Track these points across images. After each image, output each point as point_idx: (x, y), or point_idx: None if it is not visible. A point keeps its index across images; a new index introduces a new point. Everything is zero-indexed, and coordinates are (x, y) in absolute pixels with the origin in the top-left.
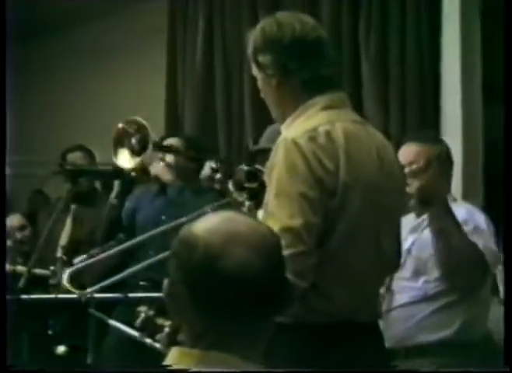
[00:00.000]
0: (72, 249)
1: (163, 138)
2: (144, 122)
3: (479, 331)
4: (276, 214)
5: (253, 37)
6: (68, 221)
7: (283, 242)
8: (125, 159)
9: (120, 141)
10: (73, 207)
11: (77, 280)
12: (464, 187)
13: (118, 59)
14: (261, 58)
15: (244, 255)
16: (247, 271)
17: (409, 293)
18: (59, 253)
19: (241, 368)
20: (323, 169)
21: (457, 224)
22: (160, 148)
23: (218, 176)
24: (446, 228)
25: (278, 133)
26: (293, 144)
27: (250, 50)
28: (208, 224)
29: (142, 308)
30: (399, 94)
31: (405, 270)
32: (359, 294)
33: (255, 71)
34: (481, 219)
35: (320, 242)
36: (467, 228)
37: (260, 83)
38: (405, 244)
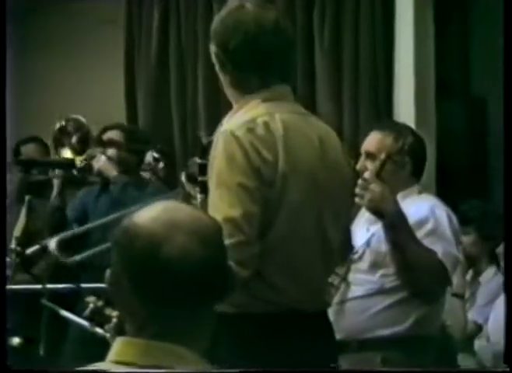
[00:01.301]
0: (26, 240)
1: (103, 131)
2: (83, 120)
3: (435, 326)
4: (217, 205)
5: (213, 23)
6: (23, 212)
7: (224, 232)
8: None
9: (60, 141)
10: (27, 198)
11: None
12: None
13: (74, 51)
14: (211, 47)
15: (186, 243)
16: (189, 259)
17: (366, 285)
18: (13, 244)
19: (185, 359)
20: (261, 160)
21: (412, 236)
22: (101, 143)
23: (160, 165)
24: (399, 241)
25: None
26: (232, 135)
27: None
28: (149, 213)
29: (91, 299)
30: (353, 86)
31: (363, 262)
32: (303, 283)
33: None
34: (443, 216)
35: (262, 232)
36: (426, 228)
37: None
38: (365, 235)
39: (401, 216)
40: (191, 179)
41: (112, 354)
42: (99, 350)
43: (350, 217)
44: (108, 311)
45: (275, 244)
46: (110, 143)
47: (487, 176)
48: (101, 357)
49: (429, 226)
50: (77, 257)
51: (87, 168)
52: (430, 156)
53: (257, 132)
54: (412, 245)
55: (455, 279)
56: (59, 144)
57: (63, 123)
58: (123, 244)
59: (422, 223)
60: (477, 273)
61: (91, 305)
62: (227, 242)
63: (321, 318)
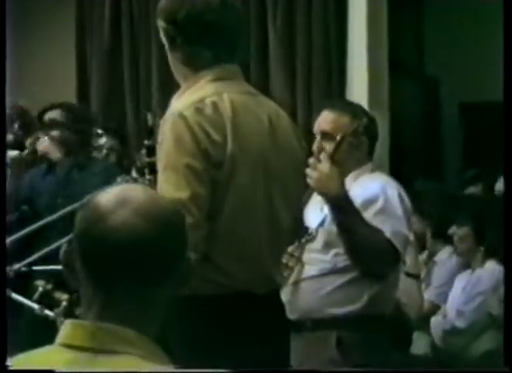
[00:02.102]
0: None
1: (44, 111)
2: (24, 107)
3: (388, 304)
4: (164, 186)
5: (161, 1)
6: None
7: None
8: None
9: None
10: None
11: None
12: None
13: (26, 33)
14: (158, 22)
15: (132, 218)
16: (133, 233)
17: (319, 265)
18: None
19: (132, 342)
20: (209, 141)
21: (358, 218)
22: (42, 125)
23: (103, 140)
24: (345, 222)
25: None
26: (180, 116)
27: (157, 9)
28: (106, 191)
29: (40, 282)
30: (306, 66)
31: (316, 242)
32: (253, 265)
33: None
34: (394, 195)
35: (210, 215)
36: (376, 207)
37: None
38: (319, 216)
39: (346, 198)
40: (141, 171)
41: (60, 337)
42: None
43: (302, 198)
44: (58, 294)
45: (224, 226)
46: (52, 124)
47: (440, 154)
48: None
49: (379, 205)
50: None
51: (32, 152)
52: (384, 135)
53: (206, 113)
54: (359, 227)
55: (408, 259)
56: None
57: (9, 112)
58: (76, 220)
59: (372, 201)
60: (431, 253)
61: (40, 289)
62: None
63: (273, 299)
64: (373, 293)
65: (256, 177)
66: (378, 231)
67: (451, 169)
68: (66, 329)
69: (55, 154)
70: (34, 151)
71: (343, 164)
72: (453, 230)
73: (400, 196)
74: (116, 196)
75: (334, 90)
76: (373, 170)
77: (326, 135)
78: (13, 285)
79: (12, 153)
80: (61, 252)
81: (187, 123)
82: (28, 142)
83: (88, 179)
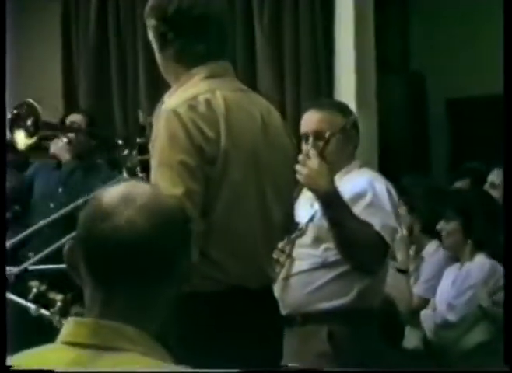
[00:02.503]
0: None
1: (66, 115)
2: (34, 103)
3: (377, 298)
4: (159, 183)
5: (149, 1)
6: None
7: None
8: (21, 140)
9: (15, 123)
10: None
11: None
12: (358, 156)
13: (12, 33)
14: (147, 22)
15: (135, 216)
16: (135, 232)
17: (309, 260)
18: None
19: (133, 339)
20: (203, 138)
21: (347, 213)
22: (52, 127)
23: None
24: (335, 217)
25: None
26: (173, 113)
27: (145, 10)
28: (111, 189)
29: (34, 283)
30: (293, 63)
31: (306, 237)
32: (248, 260)
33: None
34: (382, 189)
35: (205, 211)
36: (365, 201)
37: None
38: (309, 211)
39: (336, 194)
40: (131, 172)
41: (63, 335)
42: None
43: (293, 194)
44: (52, 295)
45: (218, 222)
46: (71, 126)
47: (428, 150)
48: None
49: (367, 199)
50: (27, 265)
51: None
52: (372, 132)
53: (199, 110)
54: (348, 221)
55: (399, 255)
56: (14, 125)
57: (15, 110)
58: (79, 218)
59: (361, 196)
60: (418, 248)
61: (34, 290)
62: None
63: (266, 294)
64: (362, 286)
65: (248, 173)
66: (367, 225)
67: (439, 164)
68: (69, 327)
69: (64, 155)
70: (41, 149)
71: (334, 160)
72: (441, 225)
73: (388, 190)
74: (120, 195)
75: (323, 88)
76: (361, 166)
77: (315, 134)
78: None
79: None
80: (64, 250)
81: (180, 120)
82: (33, 141)
83: (89, 183)
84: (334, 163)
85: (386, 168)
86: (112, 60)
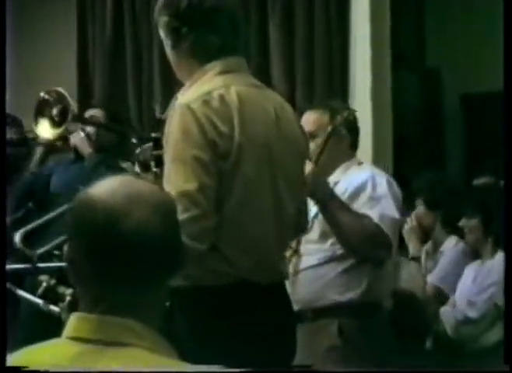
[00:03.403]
0: None
1: (82, 108)
2: (64, 92)
3: (386, 290)
4: (172, 178)
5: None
6: None
7: (180, 207)
8: (45, 129)
9: (41, 111)
10: None
11: None
12: (374, 152)
13: (27, 25)
14: (159, 20)
15: (145, 216)
16: (148, 233)
17: (317, 255)
18: None
19: (139, 334)
20: (216, 133)
21: (345, 211)
22: (80, 119)
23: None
24: (333, 217)
25: None
26: (187, 108)
27: (156, 9)
28: (106, 187)
29: (44, 278)
30: (307, 60)
31: (313, 233)
32: (258, 255)
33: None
34: (382, 182)
35: (217, 205)
36: (365, 194)
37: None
38: (315, 207)
39: (331, 196)
40: (144, 166)
41: (67, 330)
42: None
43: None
44: (61, 289)
45: (231, 216)
46: (91, 120)
47: (443, 145)
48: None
49: (367, 192)
50: (40, 250)
51: (55, 147)
52: (387, 128)
53: (213, 105)
54: (346, 218)
55: (410, 244)
56: (39, 114)
57: (45, 95)
58: (80, 219)
59: (361, 189)
60: (436, 244)
61: (44, 284)
62: (183, 216)
63: (278, 289)
64: (371, 279)
65: (262, 167)
66: (365, 218)
67: (454, 160)
68: (73, 323)
69: (86, 149)
70: (65, 141)
71: (326, 161)
72: (463, 222)
73: (388, 182)
74: (123, 193)
75: (336, 83)
76: (360, 163)
77: (310, 135)
78: (18, 281)
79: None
80: (65, 248)
81: (194, 115)
82: (60, 131)
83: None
84: (327, 165)
85: (401, 164)
86: (127, 52)
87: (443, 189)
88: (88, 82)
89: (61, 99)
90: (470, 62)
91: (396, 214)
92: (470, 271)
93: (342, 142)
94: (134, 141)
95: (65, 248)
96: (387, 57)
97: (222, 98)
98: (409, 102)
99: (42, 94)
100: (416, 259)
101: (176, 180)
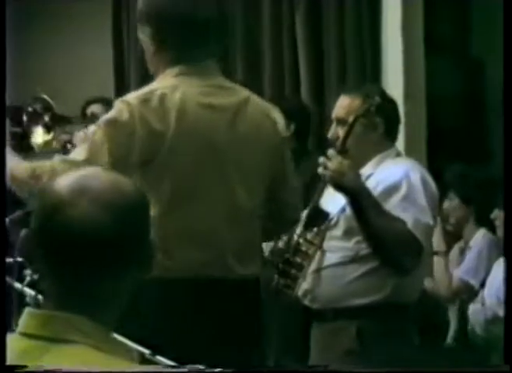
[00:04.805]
0: None
1: (86, 105)
2: (47, 98)
3: (414, 293)
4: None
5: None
6: None
7: None
8: (39, 136)
9: (33, 120)
10: None
11: None
12: (406, 142)
13: (63, 26)
14: (139, 25)
15: (89, 209)
16: (90, 226)
17: (340, 253)
18: None
19: (84, 330)
20: (147, 129)
21: (377, 209)
22: (84, 117)
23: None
24: (363, 215)
25: None
26: (124, 103)
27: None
28: (65, 178)
29: (28, 271)
30: (338, 46)
31: (338, 229)
32: (205, 248)
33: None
34: (417, 180)
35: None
36: (399, 194)
37: None
38: (341, 202)
39: (363, 191)
40: None
41: (19, 325)
42: None
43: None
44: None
45: (170, 210)
46: (93, 118)
47: (486, 138)
48: None
49: (401, 192)
50: None
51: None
52: (420, 119)
53: (151, 103)
54: (378, 219)
55: (434, 237)
56: (33, 123)
57: (33, 105)
58: (36, 208)
59: (394, 189)
60: (467, 242)
61: (28, 278)
62: None
63: (235, 285)
64: (396, 282)
65: (204, 163)
66: (398, 222)
67: (496, 152)
68: (23, 318)
69: None
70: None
71: (357, 151)
72: (494, 214)
73: (424, 181)
74: (74, 185)
75: (368, 70)
76: (398, 154)
77: (340, 121)
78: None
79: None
80: (18, 241)
81: (130, 111)
82: (50, 137)
83: None
84: (357, 155)
85: (437, 157)
86: None
87: (476, 182)
88: (125, 85)
89: (47, 105)
90: None
91: (431, 220)
92: (499, 267)
93: (375, 131)
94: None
95: (19, 239)
96: (420, 44)
97: (163, 97)
98: (449, 94)
99: (27, 108)
100: (440, 253)
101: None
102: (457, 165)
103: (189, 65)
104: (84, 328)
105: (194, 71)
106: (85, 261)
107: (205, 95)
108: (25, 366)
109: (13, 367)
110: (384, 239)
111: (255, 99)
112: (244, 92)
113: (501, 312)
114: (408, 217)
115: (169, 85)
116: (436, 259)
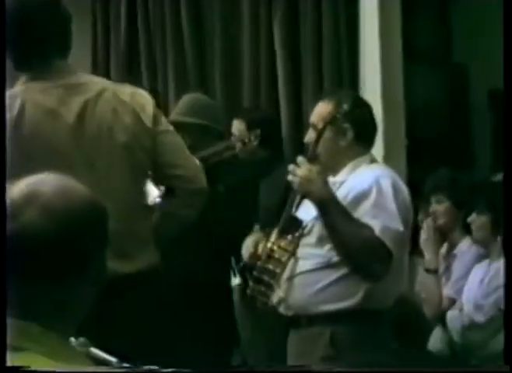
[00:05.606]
0: None
1: None
2: None
3: (388, 299)
4: None
5: None
6: None
7: None
8: None
9: None
10: None
11: None
12: (385, 150)
13: None
14: None
15: (35, 217)
16: (36, 234)
17: (313, 260)
18: None
19: (35, 337)
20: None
21: (344, 216)
22: None
23: None
24: (331, 221)
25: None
26: None
27: None
28: (19, 183)
29: None
30: (315, 52)
31: (311, 236)
32: None
33: None
34: (387, 187)
35: None
36: (368, 201)
37: None
38: (314, 210)
39: (330, 198)
40: None
41: None
42: None
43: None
44: None
45: None
46: None
47: (469, 143)
48: None
49: (371, 199)
50: None
51: None
52: (399, 126)
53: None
54: (345, 226)
55: (427, 254)
56: None
57: None
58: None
59: (364, 195)
60: (452, 246)
61: None
62: None
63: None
64: (369, 288)
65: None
66: (366, 228)
67: (480, 157)
68: None
69: None
70: None
71: (326, 158)
72: (472, 218)
73: (394, 187)
74: (26, 191)
75: (345, 78)
76: (372, 161)
77: (313, 127)
78: None
79: None
80: None
81: None
82: None
83: None
84: (328, 162)
85: (417, 164)
86: (142, 63)
87: (467, 187)
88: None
89: None
90: (499, 56)
91: (400, 227)
92: (477, 272)
93: (344, 137)
94: None
95: None
96: (398, 51)
97: (9, 108)
98: (431, 99)
99: None
100: (431, 271)
101: None
102: (445, 170)
103: (31, 71)
104: (35, 335)
105: (38, 76)
106: (34, 269)
107: (49, 100)
108: (25, 366)
109: (13, 368)
110: (352, 246)
111: (113, 89)
112: (99, 85)
113: (478, 318)
114: (376, 224)
115: (13, 93)
116: (428, 276)
